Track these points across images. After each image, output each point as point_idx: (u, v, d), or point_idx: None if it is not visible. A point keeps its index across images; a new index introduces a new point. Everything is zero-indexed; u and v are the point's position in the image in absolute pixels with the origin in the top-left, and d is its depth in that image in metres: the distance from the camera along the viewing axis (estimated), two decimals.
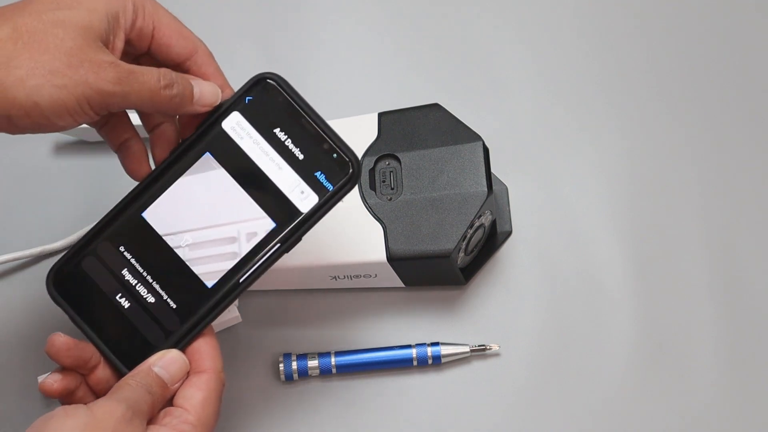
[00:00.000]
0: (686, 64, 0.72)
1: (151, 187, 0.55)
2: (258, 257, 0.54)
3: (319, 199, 0.54)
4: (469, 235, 0.62)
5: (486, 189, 0.62)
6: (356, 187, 0.63)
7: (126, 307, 0.54)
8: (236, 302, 0.61)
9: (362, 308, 0.66)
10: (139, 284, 0.54)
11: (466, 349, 0.64)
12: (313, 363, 0.64)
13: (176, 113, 0.55)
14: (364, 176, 0.64)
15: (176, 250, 0.54)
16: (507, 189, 0.69)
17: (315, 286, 0.66)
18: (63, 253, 0.55)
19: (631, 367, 0.65)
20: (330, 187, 0.54)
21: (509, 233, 0.68)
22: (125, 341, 0.54)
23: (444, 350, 0.64)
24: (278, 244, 0.54)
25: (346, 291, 0.66)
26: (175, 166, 0.55)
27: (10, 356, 0.65)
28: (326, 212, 0.55)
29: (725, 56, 0.72)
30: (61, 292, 0.55)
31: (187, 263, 0.54)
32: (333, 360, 0.64)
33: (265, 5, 0.75)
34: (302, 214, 0.54)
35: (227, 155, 0.55)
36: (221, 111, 0.55)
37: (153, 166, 0.56)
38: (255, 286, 0.59)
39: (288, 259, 0.62)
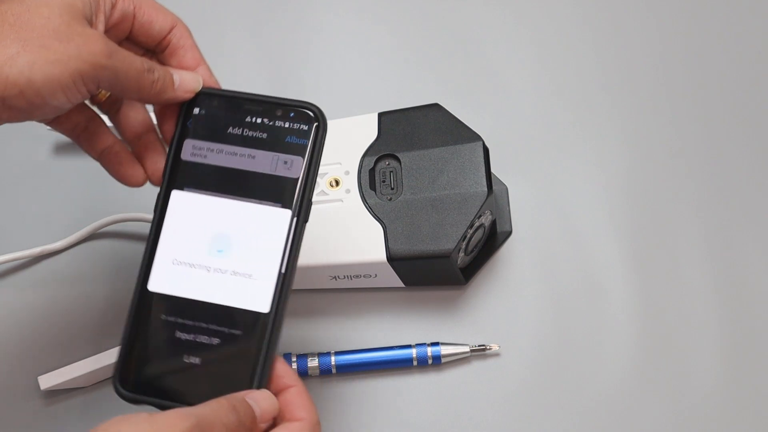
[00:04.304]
0: (686, 65, 0.72)
1: (150, 251, 0.54)
2: (287, 242, 0.53)
3: (304, 159, 0.54)
4: (469, 235, 0.62)
5: (486, 189, 0.62)
6: (357, 188, 0.63)
7: (199, 362, 0.52)
8: None
9: (362, 308, 0.66)
10: (197, 335, 0.52)
11: (466, 349, 0.64)
12: (313, 363, 0.64)
13: (159, 100, 0.54)
14: (364, 176, 0.64)
15: (203, 298, 0.53)
16: (507, 189, 0.69)
17: (315, 286, 0.66)
18: (116, 358, 0.53)
19: (631, 366, 0.65)
20: (305, 142, 0.54)
21: (509, 233, 0.68)
22: (215, 393, 0.50)
23: (444, 350, 0.64)
24: (295, 219, 0.53)
25: (346, 291, 0.67)
26: (158, 221, 0.54)
27: (10, 356, 0.65)
28: (317, 164, 0.54)
29: (725, 57, 0.73)
30: (134, 391, 0.52)
31: (226, 304, 0.53)
32: (333, 360, 0.64)
33: (264, 6, 0.75)
34: (298, 179, 0.53)
35: (202, 178, 0.54)
36: (174, 149, 0.54)
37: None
38: None
39: None
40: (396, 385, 0.64)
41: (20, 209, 0.70)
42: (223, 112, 0.54)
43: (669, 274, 0.67)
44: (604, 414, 0.64)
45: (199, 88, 0.55)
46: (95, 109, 0.57)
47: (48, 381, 0.62)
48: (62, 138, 0.71)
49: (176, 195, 0.54)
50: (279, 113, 0.54)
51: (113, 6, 0.53)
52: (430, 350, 0.64)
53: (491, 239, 0.67)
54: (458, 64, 0.73)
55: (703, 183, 0.69)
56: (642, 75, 0.72)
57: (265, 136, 0.54)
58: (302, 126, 0.54)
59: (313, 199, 0.63)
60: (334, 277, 0.64)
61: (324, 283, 0.65)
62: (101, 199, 0.69)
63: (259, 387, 0.51)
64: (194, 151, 0.54)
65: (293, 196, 0.53)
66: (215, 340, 0.52)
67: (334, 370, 0.64)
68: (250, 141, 0.54)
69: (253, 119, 0.54)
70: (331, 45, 0.73)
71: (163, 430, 0.44)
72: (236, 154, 0.54)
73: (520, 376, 0.64)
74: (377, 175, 0.64)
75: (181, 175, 0.54)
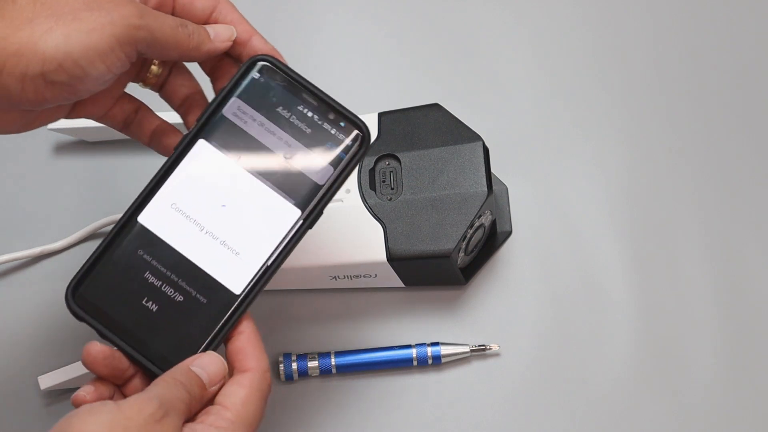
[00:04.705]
0: (686, 65, 0.72)
1: (153, 186, 0.53)
2: (284, 239, 0.53)
3: (335, 170, 0.53)
4: (469, 235, 0.62)
5: (486, 189, 0.62)
6: (357, 188, 0.63)
7: (155, 310, 0.52)
8: None
9: (362, 308, 0.66)
10: (165, 285, 0.52)
11: (466, 349, 0.64)
12: (313, 363, 0.64)
13: (199, 55, 0.54)
14: (364, 176, 0.64)
15: (186, 253, 0.53)
16: (507, 189, 0.69)
17: (315, 286, 0.66)
18: (80, 268, 0.53)
19: (631, 366, 0.65)
20: (343, 156, 0.53)
21: (509, 233, 0.68)
22: (159, 346, 0.52)
23: (444, 350, 0.64)
24: (301, 222, 0.53)
25: (346, 291, 0.66)
26: (173, 161, 0.53)
27: (11, 356, 0.65)
28: (344, 181, 0.53)
29: (724, 57, 0.73)
30: (83, 307, 0.52)
31: (205, 269, 0.53)
32: (333, 360, 0.64)
33: (264, 6, 0.75)
34: (321, 186, 0.53)
35: (233, 141, 0.53)
36: (220, 98, 0.54)
37: None
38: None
39: (288, 260, 0.62)
40: (396, 385, 0.64)
41: (20, 209, 0.70)
42: (280, 89, 0.54)
43: (669, 274, 0.67)
44: (604, 414, 0.64)
45: (234, 35, 0.55)
46: (148, 89, 0.57)
47: (48, 381, 0.62)
48: (62, 138, 0.71)
49: (201, 144, 0.53)
50: (331, 116, 0.54)
51: None
52: (430, 350, 0.64)
53: (491, 239, 0.67)
54: (458, 64, 0.73)
55: (703, 183, 0.69)
56: (642, 75, 0.72)
57: (309, 131, 0.53)
58: (347, 139, 0.54)
59: None
60: (334, 277, 0.64)
61: (324, 283, 0.65)
62: (101, 199, 0.69)
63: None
64: (237, 111, 0.54)
65: (310, 200, 0.53)
66: (179, 297, 0.52)
67: (334, 370, 0.64)
68: (293, 129, 0.53)
69: (305, 110, 0.54)
70: (331, 45, 0.73)
71: (131, 414, 0.45)
72: (275, 134, 0.53)
73: (520, 376, 0.64)
74: (377, 175, 0.64)
75: (215, 128, 0.53)
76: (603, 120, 0.71)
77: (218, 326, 0.52)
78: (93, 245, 0.68)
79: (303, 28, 0.74)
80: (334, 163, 0.53)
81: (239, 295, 0.52)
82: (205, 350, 0.52)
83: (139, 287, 0.52)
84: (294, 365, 0.64)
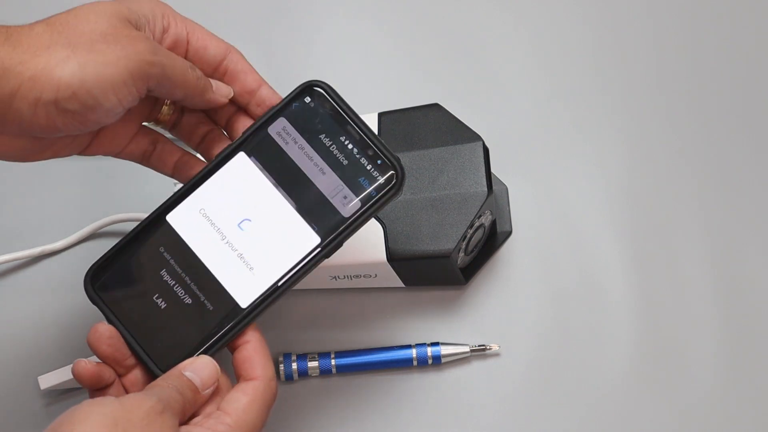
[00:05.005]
0: (686, 65, 0.72)
1: (187, 189, 0.55)
2: (299, 263, 0.54)
3: (362, 205, 0.54)
4: (469, 235, 0.62)
5: (486, 189, 0.62)
6: None
7: (163, 308, 0.54)
8: None
9: (362, 308, 0.66)
10: (177, 285, 0.54)
11: (466, 349, 0.64)
12: (313, 363, 0.64)
13: (203, 98, 0.55)
14: None
15: (203, 258, 0.54)
16: (507, 189, 0.69)
17: (315, 286, 0.66)
18: (104, 253, 0.55)
19: (631, 366, 0.65)
20: (374, 194, 0.54)
21: (509, 233, 0.68)
22: (161, 343, 0.54)
23: (444, 350, 0.64)
24: (318, 249, 0.54)
25: (346, 291, 0.66)
26: (211, 168, 0.55)
27: (11, 356, 0.65)
28: (369, 218, 0.54)
29: (724, 57, 0.72)
30: (98, 291, 0.54)
31: (217, 277, 0.54)
32: (333, 360, 0.64)
33: (264, 6, 0.75)
34: (345, 219, 0.54)
35: (271, 159, 0.55)
36: (268, 116, 0.55)
37: None
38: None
39: None
40: (396, 385, 0.64)
41: (20, 209, 0.69)
42: (327, 117, 0.55)
43: (669, 274, 0.67)
44: (604, 414, 0.64)
45: (231, 95, 0.56)
46: (159, 130, 0.58)
47: (48, 381, 0.62)
48: None
49: (241, 158, 0.55)
50: (370, 152, 0.54)
51: (165, 30, 0.54)
52: (430, 350, 0.64)
53: (491, 239, 0.67)
54: (458, 64, 0.73)
55: (703, 183, 0.69)
56: (642, 75, 0.72)
57: (345, 162, 0.54)
58: (380, 177, 0.54)
59: None
60: (334, 277, 0.64)
61: (324, 283, 0.65)
62: (101, 199, 0.69)
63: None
64: (281, 131, 0.55)
65: (332, 231, 0.54)
66: (188, 299, 0.54)
67: (334, 371, 0.64)
68: (330, 158, 0.54)
69: (345, 141, 0.55)
70: (332, 45, 0.73)
71: (131, 408, 0.47)
72: (312, 159, 0.55)
73: (520, 376, 0.64)
74: None
75: (257, 144, 0.55)
76: (603, 120, 0.71)
77: (219, 334, 0.53)
78: (93, 245, 0.68)
79: (303, 28, 0.74)
80: (364, 200, 0.54)
81: (245, 309, 0.54)
82: (200, 354, 0.53)
83: (153, 283, 0.54)
84: (294, 365, 0.64)
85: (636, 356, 0.65)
